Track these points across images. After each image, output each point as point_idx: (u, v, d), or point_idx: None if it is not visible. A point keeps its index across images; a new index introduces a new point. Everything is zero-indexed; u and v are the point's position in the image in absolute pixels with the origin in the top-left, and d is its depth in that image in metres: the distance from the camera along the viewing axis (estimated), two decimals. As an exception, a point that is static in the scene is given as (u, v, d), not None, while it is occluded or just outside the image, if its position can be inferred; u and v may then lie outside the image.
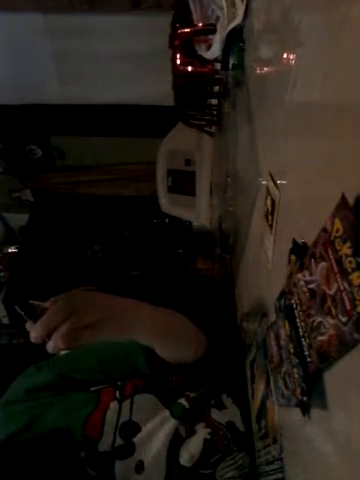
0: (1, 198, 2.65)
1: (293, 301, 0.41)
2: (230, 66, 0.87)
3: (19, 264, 2.36)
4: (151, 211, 2.27)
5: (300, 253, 0.41)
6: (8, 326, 2.18)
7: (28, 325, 0.54)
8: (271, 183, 0.55)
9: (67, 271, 2.31)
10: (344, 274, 0.28)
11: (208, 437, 0.63)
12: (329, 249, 0.31)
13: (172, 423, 0.63)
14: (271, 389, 0.56)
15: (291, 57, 0.46)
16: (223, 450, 0.63)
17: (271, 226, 0.56)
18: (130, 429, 0.63)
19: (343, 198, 0.28)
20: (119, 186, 2.44)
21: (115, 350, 0.72)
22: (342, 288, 0.29)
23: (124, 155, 2.38)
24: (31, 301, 0.56)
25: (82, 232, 2.49)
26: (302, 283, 0.38)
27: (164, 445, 0.62)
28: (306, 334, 0.38)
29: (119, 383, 0.68)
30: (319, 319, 0.34)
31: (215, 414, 0.67)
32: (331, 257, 0.31)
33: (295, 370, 0.42)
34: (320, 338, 0.34)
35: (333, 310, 0.31)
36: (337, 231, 0.29)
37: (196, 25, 0.98)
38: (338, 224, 0.29)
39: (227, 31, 0.81)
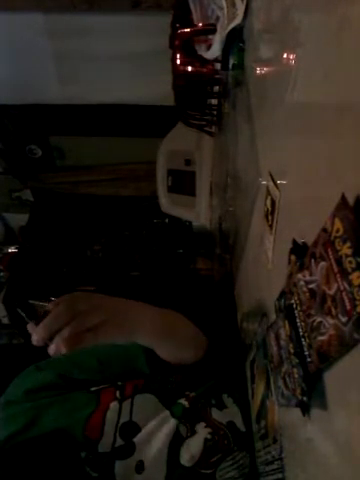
0: (1, 198, 2.65)
1: (293, 301, 0.41)
2: (230, 66, 0.87)
3: (19, 264, 2.36)
4: (151, 211, 2.27)
5: (300, 253, 0.41)
6: (8, 326, 2.18)
7: (29, 326, 0.54)
8: (271, 183, 0.55)
9: (67, 271, 2.31)
10: (344, 274, 0.28)
11: (209, 437, 0.63)
12: (329, 249, 0.31)
13: (172, 423, 0.63)
14: (271, 389, 0.56)
15: (291, 57, 0.46)
16: (224, 450, 0.63)
17: (271, 226, 0.56)
18: (130, 429, 0.63)
19: (343, 198, 0.28)
20: (119, 186, 2.44)
21: (115, 350, 0.72)
22: (342, 288, 0.29)
23: (124, 155, 2.38)
24: (31, 301, 0.55)
25: (82, 232, 2.49)
26: (302, 283, 0.38)
27: (164, 445, 0.62)
28: (306, 334, 0.38)
29: (119, 383, 0.68)
30: (319, 319, 0.34)
31: (216, 414, 0.67)
32: (331, 257, 0.31)
33: (295, 370, 0.42)
34: (320, 338, 0.34)
35: (333, 310, 0.31)
36: (337, 231, 0.29)
37: (196, 25, 0.98)
38: (338, 224, 0.29)
39: (227, 31, 0.81)
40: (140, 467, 0.60)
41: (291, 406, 0.45)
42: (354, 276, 0.27)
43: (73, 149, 2.41)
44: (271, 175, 0.55)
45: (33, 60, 1.91)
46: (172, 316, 0.70)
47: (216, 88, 1.11)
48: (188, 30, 0.99)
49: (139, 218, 2.47)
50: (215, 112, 1.21)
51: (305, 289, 0.38)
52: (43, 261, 2.32)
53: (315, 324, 0.35)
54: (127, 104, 2.09)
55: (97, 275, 2.27)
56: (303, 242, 0.41)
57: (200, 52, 1.01)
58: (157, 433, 0.63)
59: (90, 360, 0.71)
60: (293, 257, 0.43)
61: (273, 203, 0.54)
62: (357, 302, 0.27)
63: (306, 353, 0.38)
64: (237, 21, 0.76)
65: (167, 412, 0.65)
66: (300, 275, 0.39)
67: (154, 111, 2.08)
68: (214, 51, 0.91)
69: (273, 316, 0.53)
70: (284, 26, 0.49)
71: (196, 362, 0.71)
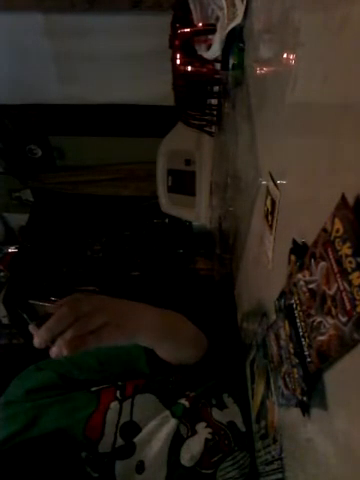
0: (1, 198, 2.65)
1: (293, 301, 0.41)
2: (230, 66, 0.87)
3: (19, 264, 2.36)
4: (151, 211, 2.27)
5: (300, 253, 0.41)
6: (8, 326, 2.18)
7: (31, 327, 0.54)
8: (271, 183, 0.55)
9: (67, 271, 2.31)
10: (344, 274, 0.28)
11: (209, 437, 0.63)
12: (329, 249, 0.31)
13: (172, 423, 0.63)
14: (271, 389, 0.56)
15: (291, 57, 0.46)
16: (224, 450, 0.63)
17: (271, 226, 0.56)
18: (131, 429, 0.63)
19: (343, 198, 0.28)
20: (119, 186, 2.44)
21: (116, 350, 0.72)
22: (342, 288, 0.29)
23: (124, 155, 2.38)
24: (31, 301, 0.55)
25: (82, 232, 2.49)
26: (302, 283, 0.38)
27: (165, 445, 0.62)
28: (306, 334, 0.38)
29: (120, 383, 0.68)
30: (319, 319, 0.34)
31: (216, 414, 0.67)
32: (331, 257, 0.31)
33: (295, 370, 0.42)
34: (320, 338, 0.34)
35: (333, 310, 0.31)
36: (337, 231, 0.29)
37: (196, 25, 0.98)
38: (338, 224, 0.29)
39: (227, 31, 0.81)
40: (140, 467, 0.60)
41: (291, 406, 0.45)
42: (354, 276, 0.27)
43: (73, 149, 2.41)
44: (271, 175, 0.55)
45: (33, 60, 1.91)
46: (173, 317, 0.70)
47: (216, 88, 1.11)
48: (188, 30, 0.99)
49: (139, 218, 2.47)
50: (215, 112, 1.21)
51: (305, 289, 0.38)
52: (43, 261, 2.32)
53: (315, 324, 0.35)
54: (127, 104, 2.09)
55: (97, 275, 2.27)
56: (303, 242, 0.41)
57: (200, 52, 1.01)
58: (157, 433, 0.63)
59: (90, 360, 0.71)
60: (293, 257, 0.43)
61: (273, 203, 0.54)
62: (357, 302, 0.27)
63: (306, 353, 0.38)
64: (237, 21, 0.76)
65: (167, 412, 0.65)
66: (300, 275, 0.39)
67: (154, 111, 2.08)
68: (214, 51, 0.91)
69: (273, 316, 0.53)
70: (284, 26, 0.49)
71: (196, 362, 0.71)
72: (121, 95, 2.05)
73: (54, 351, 0.52)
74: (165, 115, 1.82)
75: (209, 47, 0.94)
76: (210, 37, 0.94)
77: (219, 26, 0.85)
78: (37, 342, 0.52)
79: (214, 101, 1.19)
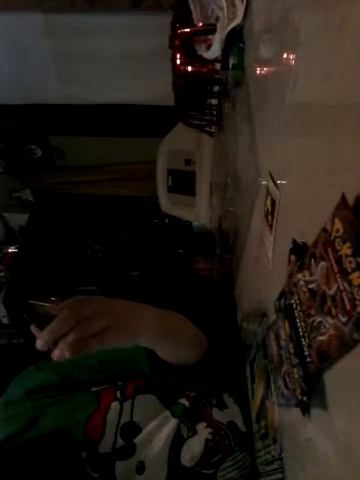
0: (1, 198, 2.65)
1: (293, 301, 0.41)
2: (230, 66, 0.87)
3: (19, 264, 2.36)
4: (151, 211, 2.27)
5: (300, 253, 0.41)
6: (8, 326, 2.18)
7: (34, 329, 0.54)
8: (271, 183, 0.55)
9: (67, 271, 2.31)
10: (344, 274, 0.28)
11: (209, 437, 0.63)
12: (329, 249, 0.31)
13: (173, 423, 0.63)
14: (271, 389, 0.56)
15: (291, 57, 0.46)
16: (225, 450, 0.63)
17: (271, 226, 0.56)
18: (131, 430, 0.63)
19: (343, 198, 0.28)
20: (119, 186, 2.44)
21: (117, 351, 0.71)
22: (342, 288, 0.29)
23: (124, 155, 2.38)
24: (31, 301, 0.55)
25: (82, 232, 2.49)
26: (302, 283, 0.38)
27: (165, 445, 0.62)
28: (306, 334, 0.38)
29: (120, 383, 0.68)
30: (319, 319, 0.34)
31: (217, 414, 0.67)
32: (331, 257, 0.31)
33: (295, 370, 0.42)
34: (320, 338, 0.34)
35: (333, 310, 0.31)
36: (337, 231, 0.29)
37: (196, 25, 0.98)
38: (338, 224, 0.29)
39: (227, 31, 0.81)
40: (141, 468, 0.60)
41: (291, 406, 0.45)
42: (354, 276, 0.27)
43: (73, 149, 2.41)
44: (271, 175, 0.55)
45: (33, 60, 1.91)
46: (173, 317, 0.70)
47: (216, 88, 1.11)
48: (188, 30, 0.99)
49: (139, 218, 2.47)
50: (215, 112, 1.21)
51: (305, 289, 0.38)
52: (43, 261, 2.32)
53: (315, 324, 0.35)
54: (127, 104, 2.09)
55: (97, 275, 2.27)
56: (303, 242, 0.41)
57: (200, 52, 1.01)
58: (158, 433, 0.63)
59: (91, 360, 0.71)
60: (293, 257, 0.43)
61: (273, 203, 0.54)
62: (357, 302, 0.27)
63: (306, 353, 0.38)
64: (237, 21, 0.76)
65: (168, 412, 0.65)
66: (300, 275, 0.39)
67: (154, 111, 2.08)
68: (214, 51, 0.91)
69: (273, 316, 0.53)
70: (284, 26, 0.49)
71: (196, 362, 0.71)
72: (121, 95, 2.05)
73: (56, 354, 0.52)
74: (165, 115, 1.82)
75: (209, 47, 0.94)
76: (210, 37, 0.94)
77: (219, 26, 0.85)
78: (40, 344, 0.52)
79: (214, 101, 1.19)
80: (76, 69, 1.94)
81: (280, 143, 0.53)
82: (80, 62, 1.91)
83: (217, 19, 0.87)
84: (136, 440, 0.62)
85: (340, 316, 0.29)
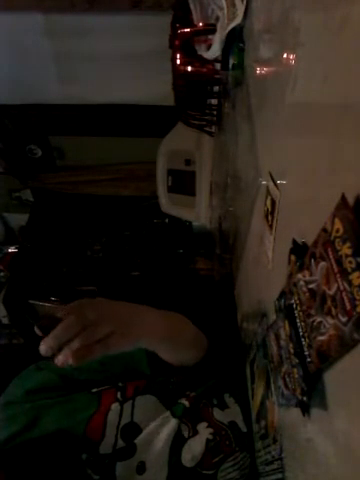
0: (1, 198, 2.65)
1: (293, 301, 0.41)
2: (230, 66, 0.87)
3: (19, 264, 2.36)
4: (151, 211, 2.27)
5: (300, 253, 0.41)
6: (8, 326, 2.18)
7: (36, 329, 0.54)
8: (271, 183, 0.55)
9: (67, 271, 2.31)
10: (344, 274, 0.28)
11: (210, 437, 0.63)
12: (329, 249, 0.31)
13: (173, 423, 0.63)
14: (271, 389, 0.56)
15: (291, 57, 0.46)
16: (225, 451, 0.63)
17: (271, 226, 0.56)
18: (131, 430, 0.63)
19: (343, 198, 0.28)
20: (119, 186, 2.44)
21: (119, 353, 0.71)
22: (342, 288, 0.29)
23: (124, 155, 2.38)
24: (31, 301, 0.55)
25: (82, 232, 2.49)
26: (302, 283, 0.38)
27: (166, 445, 0.62)
28: (306, 334, 0.38)
29: (120, 384, 0.68)
30: (319, 319, 0.34)
31: (218, 414, 0.67)
32: (331, 257, 0.31)
33: (295, 370, 0.42)
34: (320, 338, 0.34)
35: (333, 310, 0.31)
36: (337, 231, 0.29)
37: (196, 25, 0.98)
38: (338, 224, 0.29)
39: (227, 31, 0.81)
40: (141, 468, 0.60)
41: (291, 406, 0.45)
42: (354, 276, 0.27)
43: (73, 149, 2.41)
44: (271, 175, 0.55)
45: (33, 60, 1.91)
46: (174, 318, 0.70)
47: (216, 88, 1.11)
48: (188, 30, 0.99)
49: (139, 218, 2.47)
50: (215, 112, 1.21)
51: (305, 289, 0.38)
52: (43, 261, 2.32)
53: (315, 324, 0.35)
54: (127, 104, 2.09)
55: (97, 275, 2.27)
56: (303, 242, 0.41)
57: (200, 52, 1.01)
58: (158, 434, 0.63)
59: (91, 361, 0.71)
60: (293, 257, 0.43)
61: (273, 203, 0.54)
62: (357, 302, 0.27)
63: (306, 353, 0.38)
64: (237, 21, 0.76)
65: (168, 413, 0.65)
66: (300, 275, 0.39)
67: (154, 111, 2.08)
68: (214, 51, 0.91)
69: (273, 316, 0.53)
70: (284, 26, 0.49)
71: (197, 363, 0.71)
72: (121, 95, 2.05)
73: (60, 360, 0.52)
74: (165, 115, 1.82)
75: (209, 47, 0.94)
76: (210, 37, 0.94)
77: (219, 26, 0.85)
78: (43, 350, 0.52)
79: (214, 101, 1.19)
80: (76, 69, 1.95)
81: (280, 143, 0.53)
82: (80, 62, 1.91)
83: (217, 19, 0.87)
84: (137, 441, 0.62)
85: (340, 316, 0.29)
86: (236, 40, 0.81)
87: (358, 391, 0.30)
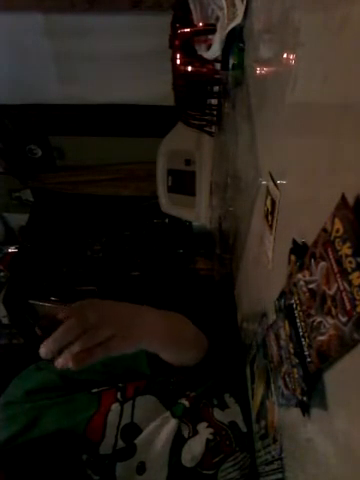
0: (1, 198, 2.65)
1: (293, 301, 0.41)
2: (230, 66, 0.87)
3: (19, 264, 2.36)
4: (151, 211, 2.27)
5: (300, 253, 0.41)
6: (8, 326, 2.18)
7: (37, 330, 0.53)
8: (271, 183, 0.55)
9: (67, 271, 2.31)
10: (344, 274, 0.28)
11: (210, 437, 0.63)
12: (329, 249, 0.31)
13: (173, 423, 0.63)
14: (271, 389, 0.56)
15: (291, 57, 0.46)
16: (225, 451, 0.63)
17: (271, 226, 0.56)
18: (131, 431, 0.63)
19: (343, 198, 0.28)
20: (119, 186, 2.44)
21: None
22: (342, 288, 0.29)
23: (124, 155, 2.38)
24: (31, 301, 0.55)
25: (82, 232, 2.49)
26: (302, 283, 0.38)
27: (166, 446, 0.62)
28: (306, 334, 0.38)
29: (120, 385, 0.68)
30: (319, 319, 0.34)
31: (218, 414, 0.67)
32: (331, 257, 0.31)
33: (295, 370, 0.42)
34: (320, 338, 0.34)
35: (333, 310, 0.31)
36: (337, 231, 0.29)
37: (196, 25, 0.98)
38: (338, 224, 0.29)
39: (227, 31, 0.81)
40: (141, 468, 0.60)
41: (291, 406, 0.45)
42: (354, 276, 0.27)
43: (73, 149, 2.41)
44: (271, 175, 0.55)
45: (33, 60, 1.91)
46: (175, 319, 0.70)
47: (216, 88, 1.10)
48: (188, 30, 0.99)
49: (139, 218, 2.47)
50: (215, 112, 1.21)
51: (305, 289, 0.38)
52: (43, 261, 2.32)
53: (315, 324, 0.35)
54: (127, 104, 2.09)
55: (97, 275, 2.27)
56: (303, 242, 0.41)
57: (200, 52, 1.01)
58: (158, 434, 0.63)
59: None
60: (293, 257, 0.43)
61: (273, 203, 0.54)
62: (357, 302, 0.27)
63: (306, 353, 0.38)
64: (237, 21, 0.76)
65: (168, 413, 0.65)
66: (300, 275, 0.39)
67: (154, 111, 2.08)
68: (214, 51, 0.91)
69: (273, 316, 0.53)
70: (284, 26, 0.49)
71: (197, 363, 0.71)
72: (121, 95, 2.05)
73: (60, 362, 0.52)
74: (165, 115, 1.82)
75: (209, 47, 0.94)
76: (210, 37, 0.94)
77: (219, 26, 0.85)
78: (43, 352, 0.51)
79: (214, 101, 1.19)
80: (76, 69, 1.95)
81: (280, 143, 0.53)
82: (80, 62, 1.91)
83: (217, 19, 0.87)
84: (137, 441, 0.62)
85: (340, 316, 0.29)
86: (236, 40, 0.81)
87: (358, 391, 0.30)
